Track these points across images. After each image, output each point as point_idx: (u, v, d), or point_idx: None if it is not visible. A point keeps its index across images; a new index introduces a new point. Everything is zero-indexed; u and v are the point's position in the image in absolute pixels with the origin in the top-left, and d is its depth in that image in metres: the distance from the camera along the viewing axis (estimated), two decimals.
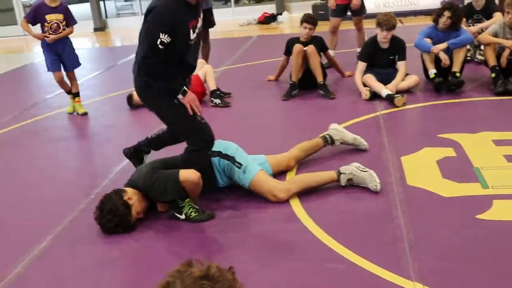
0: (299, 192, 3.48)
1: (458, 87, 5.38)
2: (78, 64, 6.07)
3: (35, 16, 5.72)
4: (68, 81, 6.08)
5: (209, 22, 6.91)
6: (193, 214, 3.29)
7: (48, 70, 5.98)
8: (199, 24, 3.25)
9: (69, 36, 5.90)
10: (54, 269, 2.99)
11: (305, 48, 5.77)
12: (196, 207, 3.32)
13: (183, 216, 3.30)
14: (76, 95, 6.12)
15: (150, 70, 3.13)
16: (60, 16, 5.75)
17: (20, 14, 14.85)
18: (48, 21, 5.71)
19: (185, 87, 3.17)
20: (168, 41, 3.01)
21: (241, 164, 3.51)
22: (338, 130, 4.13)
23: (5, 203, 3.96)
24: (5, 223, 3.63)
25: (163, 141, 3.79)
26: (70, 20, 5.85)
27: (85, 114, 6.06)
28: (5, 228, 3.56)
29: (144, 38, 3.08)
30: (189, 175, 3.22)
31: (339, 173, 3.54)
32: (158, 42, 3.00)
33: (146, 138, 3.81)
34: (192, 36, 3.16)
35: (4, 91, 8.35)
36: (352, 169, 3.53)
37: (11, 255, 3.13)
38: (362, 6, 6.88)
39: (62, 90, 6.24)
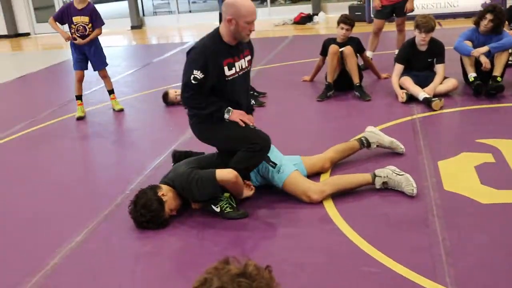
0: (333, 194, 3.45)
1: (498, 92, 5.25)
2: (104, 64, 6.10)
3: (62, 16, 5.81)
4: (101, 80, 6.20)
5: None
6: (228, 209, 3.30)
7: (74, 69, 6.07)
8: (242, 61, 3.46)
9: (98, 36, 5.95)
10: (88, 262, 3.05)
11: (342, 49, 5.73)
12: (233, 204, 3.34)
13: (218, 209, 3.31)
14: (111, 92, 6.21)
15: (190, 103, 3.42)
16: (86, 19, 5.79)
17: None
18: (75, 23, 5.78)
19: (228, 107, 3.37)
20: (201, 77, 3.27)
21: (275, 164, 3.51)
22: (374, 133, 4.08)
23: (43, 197, 4.05)
24: (43, 216, 3.71)
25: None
26: (97, 22, 5.86)
27: (121, 110, 6.15)
28: (43, 221, 3.63)
29: (183, 76, 3.36)
30: (226, 175, 3.25)
31: (374, 176, 3.50)
32: (191, 78, 3.28)
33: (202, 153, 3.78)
34: (229, 72, 3.36)
35: (43, 86, 8.54)
36: (388, 172, 3.48)
37: (49, 247, 3.20)
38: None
39: (100, 86, 6.36)
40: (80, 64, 5.97)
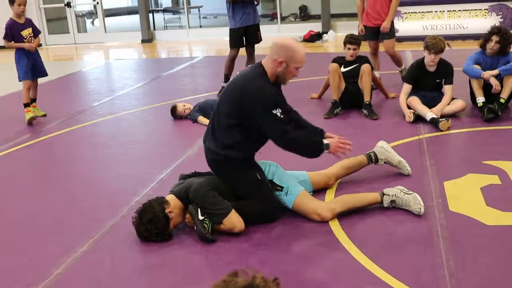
0: (343, 212, 3.44)
1: (493, 117, 5.20)
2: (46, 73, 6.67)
3: (12, 35, 6.28)
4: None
5: (256, 37, 6.98)
6: (206, 224, 3.23)
7: (21, 80, 6.46)
8: None
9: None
10: (92, 272, 3.05)
11: (361, 67, 5.80)
12: (209, 226, 3.27)
13: (200, 217, 3.24)
14: (33, 100, 6.64)
15: (291, 141, 3.38)
16: (30, 30, 6.39)
17: (72, 23, 15.33)
18: (24, 37, 6.32)
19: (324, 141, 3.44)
20: (280, 113, 3.27)
21: (282, 187, 3.51)
22: (385, 149, 4.06)
23: (49, 206, 4.07)
24: (48, 225, 3.73)
25: None
26: (37, 31, 6.50)
27: (45, 115, 6.62)
28: (48, 230, 3.65)
29: (267, 125, 3.30)
30: (235, 224, 3.25)
31: (383, 195, 3.49)
32: (278, 116, 3.26)
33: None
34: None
35: (53, 97, 8.60)
36: (396, 191, 3.47)
37: (53, 257, 3.21)
38: (392, 29, 6.70)
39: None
40: (32, 74, 6.44)
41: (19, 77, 6.47)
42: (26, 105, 6.43)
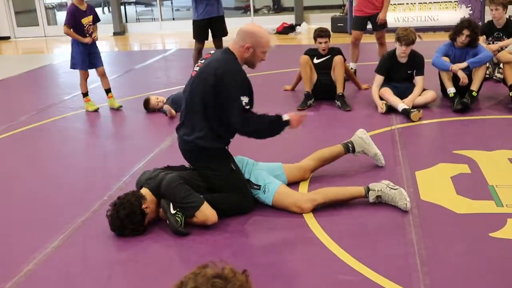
0: (324, 204, 3.43)
1: (464, 110, 5.28)
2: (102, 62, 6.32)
3: (74, 21, 5.91)
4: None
5: (222, 30, 6.83)
6: (178, 218, 3.21)
7: (75, 68, 6.20)
8: None
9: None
10: (64, 268, 3.01)
11: (334, 58, 5.85)
12: (182, 219, 3.25)
13: (172, 211, 3.22)
14: (108, 91, 6.39)
15: (249, 127, 3.39)
16: (90, 18, 6.03)
17: (42, 15, 15.04)
18: (84, 25, 5.96)
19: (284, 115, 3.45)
20: (247, 101, 3.32)
21: (259, 186, 3.50)
22: (363, 140, 4.01)
23: (18, 202, 4.00)
24: (18, 222, 3.66)
25: None
26: (97, 19, 6.13)
27: (120, 107, 6.34)
28: (18, 226, 3.59)
29: (231, 102, 3.29)
30: (208, 216, 3.24)
31: (368, 190, 3.46)
32: (243, 104, 3.29)
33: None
34: None
35: (23, 90, 8.45)
36: (382, 186, 3.44)
37: (23, 253, 3.16)
38: (386, 20, 6.82)
39: (80, 92, 6.37)
40: (87, 64, 6.12)
41: (73, 64, 6.16)
42: (84, 94, 6.29)
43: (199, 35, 6.82)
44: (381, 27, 6.81)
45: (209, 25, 6.77)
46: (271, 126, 3.45)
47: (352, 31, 6.98)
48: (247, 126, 3.37)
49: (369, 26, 6.94)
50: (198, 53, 6.86)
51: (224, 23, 6.87)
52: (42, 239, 3.31)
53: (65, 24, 5.95)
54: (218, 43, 6.89)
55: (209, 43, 7.10)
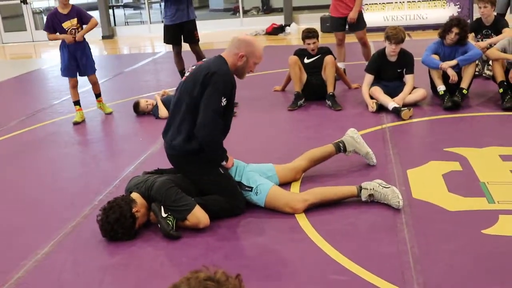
0: (317, 204, 3.42)
1: (455, 107, 5.30)
2: (94, 69, 6.12)
3: (53, 25, 5.75)
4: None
5: (192, 36, 6.48)
6: (169, 221, 3.19)
7: (62, 75, 6.04)
8: None
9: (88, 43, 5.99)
10: (54, 274, 2.97)
11: (325, 58, 5.86)
12: (173, 223, 3.23)
13: (164, 214, 3.21)
14: (98, 95, 6.27)
15: (215, 136, 3.36)
16: (74, 21, 5.77)
17: (29, 20, 14.96)
18: (66, 29, 5.75)
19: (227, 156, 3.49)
20: (224, 104, 3.33)
21: (251, 187, 3.49)
22: (354, 139, 4.01)
23: (9, 208, 3.96)
24: (9, 227, 3.62)
25: None
26: (86, 19, 5.85)
27: (111, 113, 6.27)
28: (8, 232, 3.55)
29: (209, 102, 3.28)
30: (200, 219, 3.22)
31: (360, 188, 3.46)
32: (220, 106, 3.30)
33: None
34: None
35: (12, 96, 8.39)
36: (374, 185, 3.44)
37: (13, 261, 3.12)
38: (361, 20, 6.72)
39: (69, 97, 6.29)
40: (73, 71, 5.94)
41: (61, 71, 6.02)
42: (75, 103, 6.07)
43: (169, 40, 6.55)
44: (357, 28, 6.71)
45: (179, 29, 6.47)
46: (220, 149, 3.45)
47: (334, 32, 6.93)
48: (210, 127, 3.30)
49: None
50: (177, 55, 6.60)
51: (195, 29, 6.52)
52: (32, 245, 3.28)
53: (44, 30, 5.85)
54: (194, 48, 6.54)
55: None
